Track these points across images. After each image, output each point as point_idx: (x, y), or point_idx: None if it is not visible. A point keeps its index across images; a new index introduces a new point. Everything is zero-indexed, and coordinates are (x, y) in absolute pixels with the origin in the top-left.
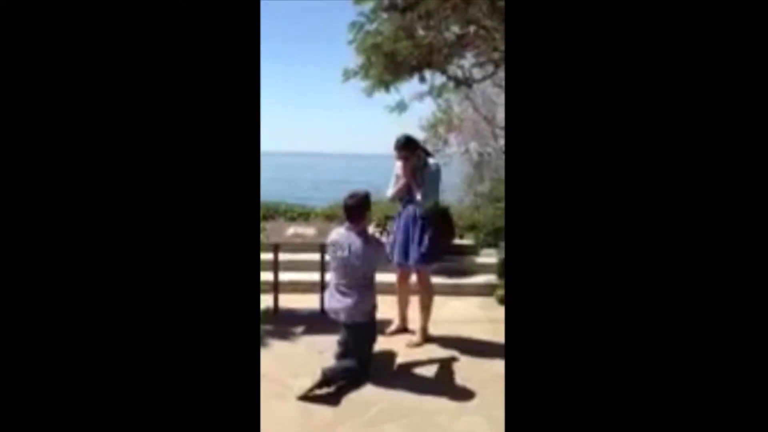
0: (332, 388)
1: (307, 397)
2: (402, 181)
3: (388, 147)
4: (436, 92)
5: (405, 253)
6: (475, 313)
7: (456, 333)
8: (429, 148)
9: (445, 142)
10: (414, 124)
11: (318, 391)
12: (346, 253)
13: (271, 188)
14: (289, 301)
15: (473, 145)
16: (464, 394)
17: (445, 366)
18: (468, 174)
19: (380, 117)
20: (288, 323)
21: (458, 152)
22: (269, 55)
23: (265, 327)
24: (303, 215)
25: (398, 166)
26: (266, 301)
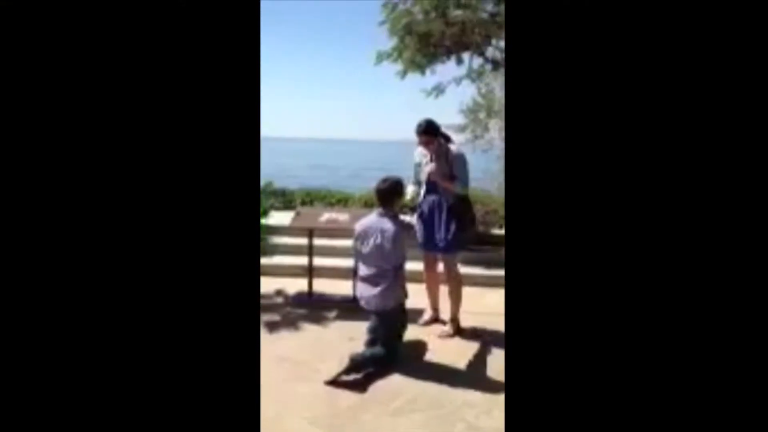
0: (360, 374)
1: (334, 382)
2: (432, 165)
3: None
4: (474, 75)
5: (429, 242)
6: None
7: (491, 325)
8: (468, 134)
9: (486, 128)
10: (454, 109)
11: (345, 377)
12: (378, 239)
13: (313, 175)
14: (324, 286)
15: None
16: (496, 388)
17: (477, 358)
18: None
19: (419, 102)
20: (321, 308)
21: (499, 138)
22: (306, 40)
23: (298, 311)
24: (342, 201)
25: (418, 152)
26: (301, 285)
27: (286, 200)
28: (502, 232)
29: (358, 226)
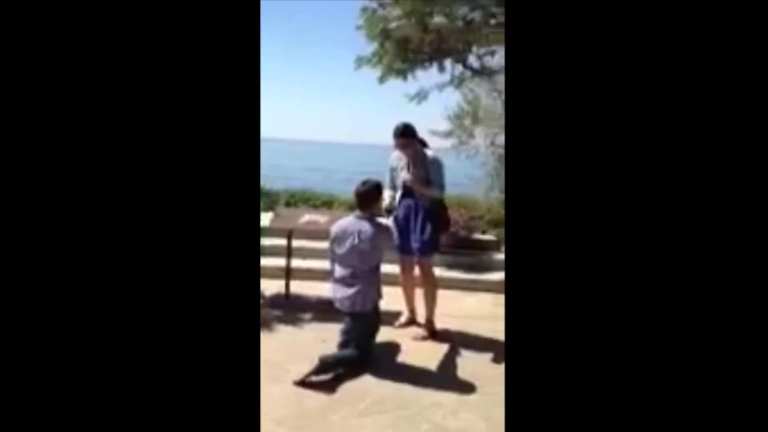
0: (329, 375)
1: (304, 383)
2: (410, 174)
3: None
4: (456, 82)
5: (405, 245)
6: (488, 310)
7: (466, 328)
8: (454, 140)
9: (471, 135)
10: (441, 114)
11: (315, 378)
12: (356, 240)
13: (308, 177)
14: (302, 287)
15: (500, 139)
16: (465, 390)
17: (449, 360)
18: (495, 167)
19: (404, 107)
20: (297, 309)
21: (484, 145)
22: (303, 43)
23: (274, 312)
24: (327, 204)
25: (394, 156)
26: (278, 286)
27: (270, 201)
28: (484, 237)
29: (335, 227)
